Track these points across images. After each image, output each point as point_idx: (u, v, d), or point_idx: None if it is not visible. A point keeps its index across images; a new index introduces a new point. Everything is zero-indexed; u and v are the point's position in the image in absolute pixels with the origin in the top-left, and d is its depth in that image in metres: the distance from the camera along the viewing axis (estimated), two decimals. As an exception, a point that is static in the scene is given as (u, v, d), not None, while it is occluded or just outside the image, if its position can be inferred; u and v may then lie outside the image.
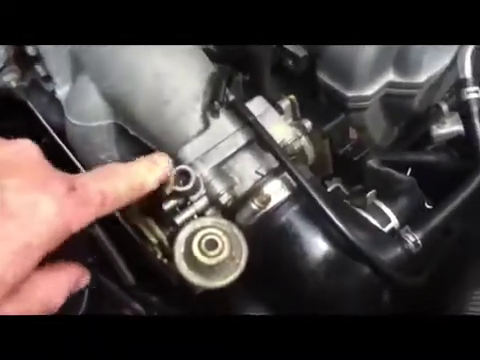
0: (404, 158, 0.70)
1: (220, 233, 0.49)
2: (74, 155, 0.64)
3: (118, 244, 0.68)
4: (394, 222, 0.59)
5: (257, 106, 0.56)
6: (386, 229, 0.58)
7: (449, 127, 0.70)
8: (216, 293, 0.57)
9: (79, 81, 0.62)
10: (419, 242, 0.55)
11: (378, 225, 0.58)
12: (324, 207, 0.51)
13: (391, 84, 0.64)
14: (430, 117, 0.71)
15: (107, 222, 0.65)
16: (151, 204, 0.56)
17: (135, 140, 0.60)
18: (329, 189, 0.63)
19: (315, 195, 0.52)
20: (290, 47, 0.68)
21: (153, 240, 0.53)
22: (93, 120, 0.61)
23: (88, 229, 0.63)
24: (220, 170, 0.54)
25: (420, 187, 0.70)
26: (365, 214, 0.58)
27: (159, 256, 0.53)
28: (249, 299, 0.57)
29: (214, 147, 0.54)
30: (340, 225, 0.51)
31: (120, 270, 0.65)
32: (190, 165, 0.53)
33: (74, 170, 0.64)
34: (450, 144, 0.75)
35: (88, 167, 0.64)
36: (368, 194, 0.57)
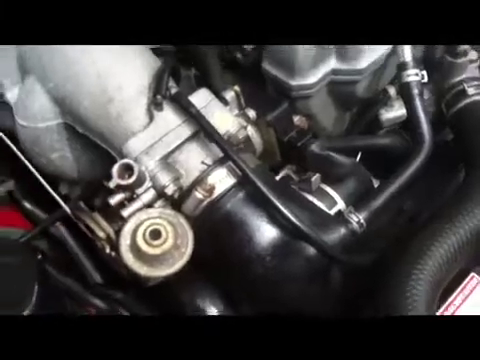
0: (354, 143, 0.71)
1: (164, 223, 0.51)
2: (26, 157, 0.65)
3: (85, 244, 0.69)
4: (340, 204, 0.61)
5: (201, 98, 0.58)
6: (332, 211, 0.60)
7: (397, 110, 0.72)
8: (172, 283, 0.59)
9: (26, 83, 0.63)
10: (363, 222, 0.57)
11: (324, 208, 0.60)
12: (267, 193, 0.53)
13: (334, 71, 0.65)
14: (379, 101, 0.73)
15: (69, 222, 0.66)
16: (99, 199, 0.58)
17: (85, 138, 0.61)
18: (279, 176, 0.64)
19: (258, 182, 0.53)
20: (237, 39, 0.70)
21: (101, 234, 0.54)
22: (42, 121, 0.62)
23: (52, 230, 0.64)
24: (166, 162, 0.56)
25: (373, 170, 0.73)
26: (311, 198, 0.60)
27: (107, 250, 0.54)
28: (202, 287, 0.59)
29: (159, 140, 0.56)
30: (283, 209, 0.53)
31: (86, 269, 0.66)
32: (135, 159, 0.55)
33: (27, 172, 0.65)
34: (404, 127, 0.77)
35: (40, 168, 0.65)
36: (312, 178, 0.59)
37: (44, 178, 0.65)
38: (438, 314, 0.60)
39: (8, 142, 0.63)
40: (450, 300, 0.62)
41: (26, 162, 0.63)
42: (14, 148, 0.63)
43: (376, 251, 0.61)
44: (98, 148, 0.60)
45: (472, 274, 0.64)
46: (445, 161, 0.73)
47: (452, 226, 0.56)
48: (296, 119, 0.66)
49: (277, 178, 0.64)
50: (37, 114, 0.61)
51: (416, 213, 0.70)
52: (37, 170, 0.63)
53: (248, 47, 0.69)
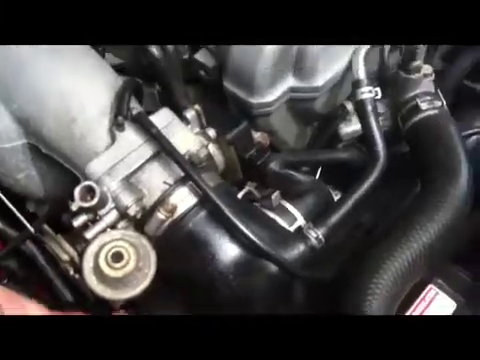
0: (314, 157, 0.74)
1: (126, 245, 0.52)
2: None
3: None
4: (300, 220, 0.63)
5: (163, 118, 0.59)
6: (293, 227, 0.62)
7: (355, 124, 0.74)
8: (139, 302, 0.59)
9: None
10: (321, 238, 0.59)
11: (285, 224, 0.62)
12: (227, 212, 0.54)
13: (292, 89, 0.67)
14: (337, 117, 0.75)
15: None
16: (65, 218, 0.58)
17: (50, 158, 0.61)
18: (241, 194, 0.66)
19: (218, 201, 0.54)
20: (200, 58, 0.71)
21: (64, 257, 0.54)
22: (7, 141, 0.62)
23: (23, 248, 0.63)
24: (128, 183, 0.56)
25: (333, 184, 0.75)
26: (272, 215, 0.62)
27: (71, 272, 0.54)
28: (167, 306, 0.59)
29: (121, 161, 0.56)
30: (242, 228, 0.54)
31: (57, 288, 0.66)
32: (98, 180, 0.55)
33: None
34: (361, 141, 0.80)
35: (6, 188, 0.65)
36: (273, 196, 0.61)
37: (12, 196, 0.65)
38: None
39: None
40: (410, 311, 0.65)
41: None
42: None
43: (335, 265, 0.63)
44: (63, 168, 0.60)
45: (430, 286, 0.67)
46: (402, 174, 0.77)
47: (406, 241, 0.59)
48: (257, 135, 0.68)
49: (239, 195, 0.65)
50: (2, 134, 0.61)
51: (373, 226, 0.72)
52: (3, 190, 0.63)
53: (210, 64, 0.70)
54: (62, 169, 0.61)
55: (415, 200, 0.64)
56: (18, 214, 0.64)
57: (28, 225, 0.62)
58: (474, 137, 0.79)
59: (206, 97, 0.73)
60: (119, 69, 0.68)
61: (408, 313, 0.63)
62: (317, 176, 0.72)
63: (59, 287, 0.66)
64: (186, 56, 0.72)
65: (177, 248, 0.56)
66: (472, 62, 0.87)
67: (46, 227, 0.56)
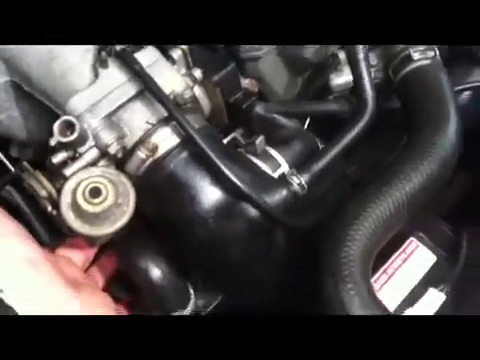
0: (304, 108, 0.72)
1: (105, 181, 0.51)
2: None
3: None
4: (284, 167, 0.62)
5: (148, 56, 0.57)
6: (276, 174, 0.61)
7: (347, 75, 0.73)
8: (118, 245, 0.59)
9: None
10: (304, 184, 0.59)
11: (269, 170, 0.61)
12: (209, 153, 0.54)
13: (282, 34, 0.65)
14: (329, 66, 0.74)
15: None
16: (42, 158, 0.57)
17: (32, 98, 0.60)
18: (226, 140, 0.65)
19: (201, 142, 0.54)
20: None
21: (43, 193, 0.54)
22: None
23: (3, 193, 0.63)
24: (110, 121, 0.55)
25: (322, 136, 0.74)
26: (256, 160, 0.61)
27: (49, 209, 0.54)
28: (145, 247, 0.59)
29: (103, 98, 0.55)
30: (224, 169, 0.54)
31: (36, 231, 0.65)
32: (78, 117, 0.54)
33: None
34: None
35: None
36: (257, 141, 0.60)
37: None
38: (376, 275, 0.64)
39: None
40: (389, 262, 0.65)
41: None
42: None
43: (317, 213, 0.63)
44: (46, 109, 0.59)
45: (411, 238, 0.68)
46: (392, 129, 0.76)
47: (389, 189, 0.58)
48: (246, 82, 0.67)
49: (225, 141, 0.65)
50: None
51: (359, 178, 0.72)
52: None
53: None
54: (45, 110, 0.59)
55: (401, 151, 0.64)
56: (1, 156, 0.63)
57: (8, 164, 0.61)
58: (467, 93, 0.79)
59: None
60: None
61: (388, 263, 0.64)
62: (305, 127, 0.71)
63: (38, 230, 0.66)
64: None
65: (157, 189, 0.55)
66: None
67: (25, 164, 0.55)
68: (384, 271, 0.63)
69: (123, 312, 0.61)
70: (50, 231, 0.64)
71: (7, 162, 0.63)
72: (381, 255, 0.62)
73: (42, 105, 0.59)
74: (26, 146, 0.67)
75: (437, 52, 0.69)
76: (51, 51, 0.55)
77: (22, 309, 0.45)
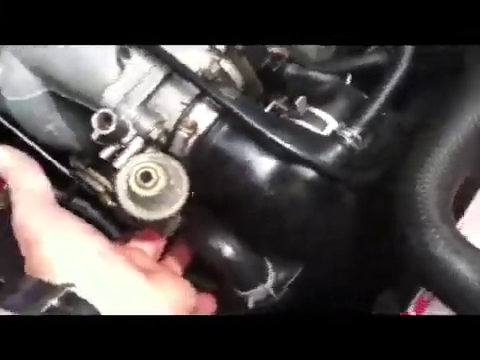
0: (340, 65, 0.69)
1: (154, 165, 0.50)
2: (22, 132, 0.64)
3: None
4: (333, 124, 0.58)
5: (169, 38, 0.56)
6: (326, 132, 0.58)
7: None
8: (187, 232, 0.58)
9: (3, 57, 0.61)
10: (357, 136, 0.55)
11: (317, 130, 0.58)
12: (250, 121, 0.51)
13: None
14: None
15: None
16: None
17: (75, 105, 0.60)
18: (267, 108, 0.62)
19: (239, 111, 0.51)
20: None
21: (100, 189, 0.54)
22: (27, 93, 0.60)
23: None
24: (145, 108, 0.54)
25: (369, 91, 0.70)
26: (301, 122, 0.58)
27: (109, 202, 0.53)
28: (213, 229, 0.57)
29: (134, 87, 0.54)
30: (270, 134, 0.51)
31: (103, 226, 0.64)
32: (115, 109, 0.53)
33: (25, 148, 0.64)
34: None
35: (38, 139, 0.64)
36: (297, 101, 0.57)
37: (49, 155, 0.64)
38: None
39: (4, 122, 0.62)
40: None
41: (24, 138, 0.62)
42: (11, 127, 0.62)
43: (381, 167, 0.59)
44: (88, 112, 0.59)
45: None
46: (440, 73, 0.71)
47: (453, 122, 0.54)
48: (274, 48, 0.64)
49: (266, 110, 0.62)
50: (21, 86, 0.59)
51: (415, 126, 0.67)
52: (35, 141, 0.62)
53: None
54: (88, 115, 0.59)
55: (456, 85, 0.59)
56: (54, 161, 0.63)
57: (60, 166, 0.61)
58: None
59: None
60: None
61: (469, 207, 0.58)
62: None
63: (104, 223, 0.65)
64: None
65: (206, 167, 0.53)
66: None
67: (78, 164, 0.55)
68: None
69: (207, 300, 0.59)
70: (117, 226, 0.64)
71: (66, 171, 0.63)
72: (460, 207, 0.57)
73: (85, 110, 0.59)
74: (84, 155, 0.68)
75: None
76: (75, 51, 0.55)
77: (97, 302, 0.44)
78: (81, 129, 0.62)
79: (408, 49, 0.60)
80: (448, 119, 0.54)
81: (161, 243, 0.59)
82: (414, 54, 0.61)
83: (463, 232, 0.55)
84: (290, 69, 0.58)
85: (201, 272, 0.60)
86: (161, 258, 0.60)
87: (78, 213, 0.58)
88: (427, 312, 0.56)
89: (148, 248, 0.58)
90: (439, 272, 0.47)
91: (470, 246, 0.48)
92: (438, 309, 0.54)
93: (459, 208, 0.57)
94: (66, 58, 0.56)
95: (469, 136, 0.53)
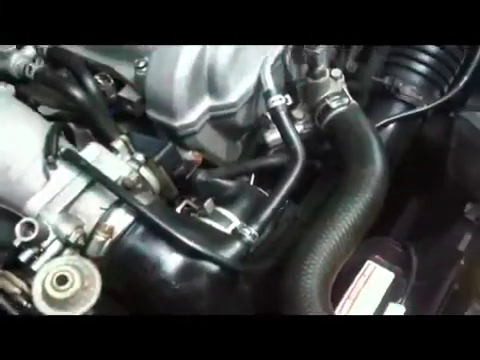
0: (247, 167, 0.80)
1: (69, 268, 0.56)
2: None
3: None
4: (236, 222, 0.68)
5: (91, 151, 0.64)
6: (229, 229, 0.67)
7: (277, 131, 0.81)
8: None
9: None
10: (255, 233, 0.64)
11: (222, 228, 0.67)
12: (160, 223, 0.59)
13: (211, 108, 0.74)
14: (261, 126, 0.82)
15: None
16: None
17: None
18: (179, 207, 0.71)
19: (151, 214, 0.60)
20: (124, 94, 0.78)
21: (16, 290, 0.58)
22: None
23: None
24: (66, 214, 0.61)
25: (270, 188, 0.81)
26: (209, 221, 0.67)
27: (25, 303, 0.58)
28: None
29: (57, 195, 0.61)
30: (177, 234, 0.59)
31: None
32: (37, 216, 0.60)
33: None
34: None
35: None
36: (205, 203, 0.66)
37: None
38: (341, 302, 0.68)
39: None
40: (351, 287, 0.69)
41: None
42: None
43: (274, 256, 0.68)
44: (9, 214, 0.64)
45: (368, 262, 0.73)
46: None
47: (331, 222, 0.65)
48: (189, 154, 0.74)
49: (178, 209, 0.70)
50: None
51: (308, 219, 0.78)
52: None
53: (134, 99, 0.77)
54: (10, 216, 0.65)
55: (336, 187, 0.70)
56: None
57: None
58: (390, 125, 0.87)
59: (137, 129, 0.79)
60: (54, 117, 0.74)
61: (351, 287, 0.68)
62: (251, 183, 0.78)
63: None
64: (113, 95, 0.79)
65: (119, 265, 0.60)
66: (382, 61, 0.96)
67: (-4, 268, 0.60)
68: (348, 297, 0.67)
69: None
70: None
71: None
72: (343, 282, 0.67)
73: (7, 212, 0.64)
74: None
75: (350, 98, 0.77)
76: (5, 161, 0.62)
77: None
78: (2, 229, 0.66)
79: (299, 152, 0.71)
80: (328, 217, 0.64)
81: None
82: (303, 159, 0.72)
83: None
84: (200, 176, 0.68)
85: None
86: None
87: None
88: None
89: None
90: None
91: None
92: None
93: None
94: (-3, 168, 0.63)
95: (345, 233, 0.63)
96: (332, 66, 0.90)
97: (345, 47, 1.01)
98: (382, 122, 0.83)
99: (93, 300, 0.56)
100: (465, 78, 0.88)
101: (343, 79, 0.83)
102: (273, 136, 0.81)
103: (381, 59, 0.98)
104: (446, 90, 0.90)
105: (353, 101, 0.79)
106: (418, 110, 0.85)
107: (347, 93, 0.79)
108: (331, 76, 0.80)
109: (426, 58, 0.87)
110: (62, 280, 0.55)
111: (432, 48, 0.87)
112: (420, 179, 0.83)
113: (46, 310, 0.54)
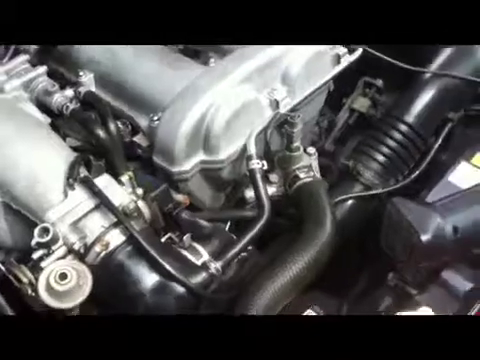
0: (225, 214, 0.97)
1: (70, 268, 0.72)
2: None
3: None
4: (205, 256, 0.84)
5: (103, 181, 0.82)
6: (200, 262, 0.83)
7: (256, 190, 0.98)
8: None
9: None
10: (219, 268, 0.80)
11: (194, 259, 0.83)
12: (146, 246, 0.76)
13: (202, 162, 0.92)
14: (243, 183, 0.99)
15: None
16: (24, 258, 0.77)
17: (17, 213, 0.82)
18: (164, 238, 0.87)
19: (139, 238, 0.76)
20: (138, 140, 0.95)
21: (25, 280, 0.74)
22: None
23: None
24: (75, 227, 0.78)
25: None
26: (184, 252, 0.83)
27: (29, 291, 0.73)
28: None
29: (71, 210, 0.78)
30: (157, 257, 0.75)
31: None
32: (52, 224, 0.76)
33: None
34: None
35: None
36: (184, 237, 0.82)
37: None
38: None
39: None
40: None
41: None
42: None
43: (234, 290, 0.83)
44: (27, 221, 0.81)
45: (308, 310, 0.89)
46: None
47: (280, 270, 0.81)
48: (179, 196, 0.91)
49: (163, 239, 0.86)
50: None
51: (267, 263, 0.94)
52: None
53: (145, 144, 0.95)
54: (27, 222, 0.81)
55: (292, 242, 0.87)
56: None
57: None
58: (349, 201, 1.05)
59: (143, 168, 0.97)
60: (78, 149, 0.92)
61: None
62: (226, 228, 0.94)
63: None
64: (128, 139, 0.97)
65: (108, 274, 0.76)
66: (358, 143, 1.15)
67: (13, 261, 0.76)
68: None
69: None
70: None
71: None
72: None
73: (25, 219, 0.81)
74: (11, 252, 0.87)
75: (316, 173, 0.95)
76: (36, 177, 0.79)
77: None
78: (17, 232, 0.84)
79: (266, 209, 0.88)
80: (278, 265, 0.81)
81: None
82: (269, 214, 0.89)
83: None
84: (184, 215, 0.85)
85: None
86: None
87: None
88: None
89: None
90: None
91: None
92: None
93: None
94: (28, 182, 0.80)
95: (290, 280, 0.79)
96: (312, 144, 1.11)
97: (326, 132, 1.21)
98: (341, 197, 1.02)
99: (84, 295, 0.71)
100: (417, 172, 1.08)
101: (316, 156, 1.01)
102: (251, 193, 0.98)
103: (357, 142, 1.18)
104: (401, 179, 1.09)
105: (318, 175, 0.97)
106: (373, 192, 1.04)
107: (314, 168, 0.97)
108: (306, 152, 0.99)
109: (386, 151, 1.07)
110: (63, 276, 0.70)
111: (392, 143, 1.07)
112: (365, 248, 1.00)
113: (47, 299, 0.70)
